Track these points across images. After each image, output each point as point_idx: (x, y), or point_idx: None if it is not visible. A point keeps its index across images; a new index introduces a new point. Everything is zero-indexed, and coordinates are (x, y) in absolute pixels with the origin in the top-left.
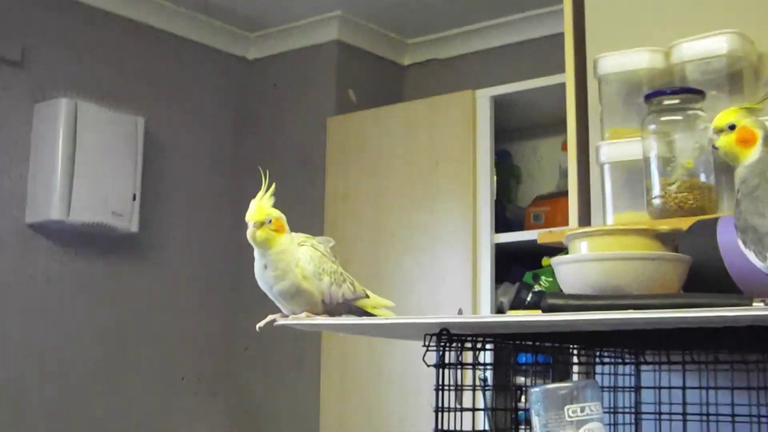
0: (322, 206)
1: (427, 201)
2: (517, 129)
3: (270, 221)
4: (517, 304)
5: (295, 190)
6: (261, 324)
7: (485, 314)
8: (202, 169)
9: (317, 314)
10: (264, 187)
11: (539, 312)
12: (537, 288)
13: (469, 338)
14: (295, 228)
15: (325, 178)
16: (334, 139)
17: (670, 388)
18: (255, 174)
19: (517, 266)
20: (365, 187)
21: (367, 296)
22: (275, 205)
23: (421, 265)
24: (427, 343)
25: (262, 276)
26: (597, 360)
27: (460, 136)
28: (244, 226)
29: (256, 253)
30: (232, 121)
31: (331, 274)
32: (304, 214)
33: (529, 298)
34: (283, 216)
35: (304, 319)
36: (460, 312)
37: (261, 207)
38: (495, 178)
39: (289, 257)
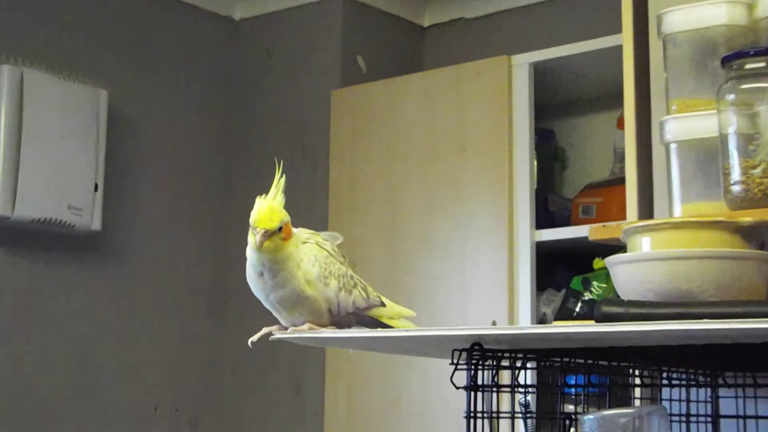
0: (326, 198)
1: (453, 191)
2: (562, 103)
3: (280, 229)
4: (564, 316)
5: (292, 179)
6: (254, 338)
7: (527, 325)
8: (180, 154)
9: (322, 326)
10: (276, 183)
11: (591, 323)
12: (587, 296)
13: (507, 354)
14: (292, 225)
15: (329, 163)
16: (339, 116)
17: (757, 417)
18: (244, 160)
19: (562, 270)
20: (377, 174)
21: (383, 304)
22: None
23: (446, 269)
24: (455, 361)
25: (256, 282)
26: (664, 382)
27: (493, 112)
28: (231, 222)
29: (251, 255)
30: (216, 96)
31: (340, 278)
32: (305, 207)
33: (578, 309)
34: (289, 219)
35: (306, 331)
36: (494, 325)
37: (274, 211)
38: (536, 162)
39: (292, 262)
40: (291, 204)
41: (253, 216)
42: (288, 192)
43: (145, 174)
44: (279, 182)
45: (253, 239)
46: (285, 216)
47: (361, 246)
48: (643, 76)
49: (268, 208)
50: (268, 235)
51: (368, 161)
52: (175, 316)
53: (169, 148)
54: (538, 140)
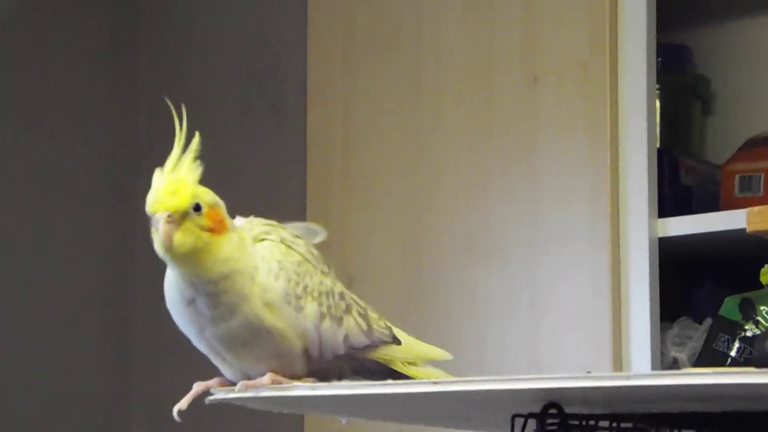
0: (303, 167)
1: (517, 153)
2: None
3: (199, 209)
4: (709, 363)
5: (243, 136)
6: (182, 404)
7: (640, 372)
8: (54, 97)
9: (294, 377)
10: (178, 139)
11: (752, 370)
12: (751, 330)
13: (607, 424)
14: (244, 214)
15: (307, 109)
16: (322, 27)
17: None
18: (159, 107)
19: (707, 285)
20: (389, 126)
21: (397, 341)
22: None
23: (505, 284)
24: None
25: (183, 312)
26: None
27: (585, 16)
28: (138, 213)
29: (173, 272)
30: None
31: (322, 298)
32: (265, 184)
33: (734, 352)
34: (220, 202)
35: (267, 387)
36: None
37: (180, 182)
38: (659, 102)
39: (241, 276)
40: (242, 180)
41: (148, 198)
42: (232, 163)
43: None
44: (181, 137)
45: (158, 239)
46: (205, 192)
47: (362, 248)
48: None
49: (166, 179)
50: (178, 221)
51: (373, 103)
52: (45, 370)
53: (35, 85)
54: (664, 64)
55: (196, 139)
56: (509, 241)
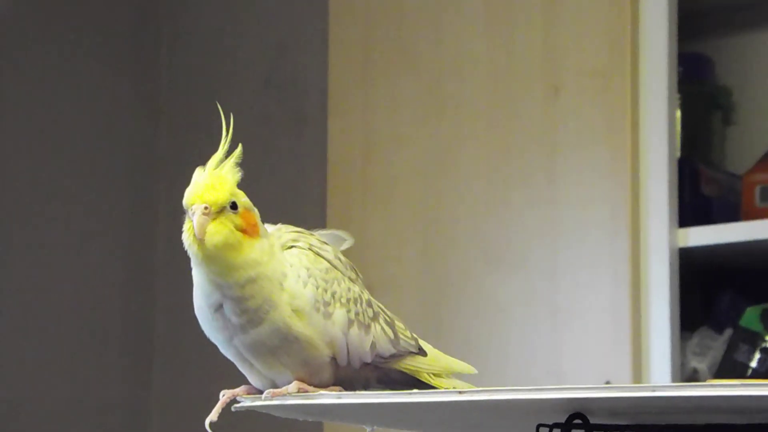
0: (323, 176)
1: (537, 163)
2: (726, 9)
3: (236, 207)
4: (730, 373)
5: (264, 146)
6: (213, 416)
7: (662, 383)
8: (71, 104)
9: (321, 386)
10: (224, 144)
11: None
12: None
13: None
14: (268, 221)
15: (328, 118)
16: (343, 35)
17: None
18: (181, 114)
19: (728, 296)
20: (409, 134)
21: (423, 352)
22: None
23: (526, 294)
24: None
25: (211, 320)
26: None
27: (606, 27)
28: (158, 220)
29: (199, 275)
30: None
31: (350, 305)
32: (286, 193)
33: (755, 362)
34: (255, 209)
35: (294, 395)
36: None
37: (220, 178)
38: (679, 113)
39: (269, 282)
40: (263, 189)
41: (187, 191)
42: (256, 168)
43: (9, 135)
44: (227, 142)
45: (189, 232)
46: (242, 195)
47: (382, 257)
48: None
49: (209, 176)
50: (213, 215)
51: (393, 113)
52: (65, 377)
53: (52, 89)
54: (685, 74)
55: (239, 147)
56: (530, 250)
